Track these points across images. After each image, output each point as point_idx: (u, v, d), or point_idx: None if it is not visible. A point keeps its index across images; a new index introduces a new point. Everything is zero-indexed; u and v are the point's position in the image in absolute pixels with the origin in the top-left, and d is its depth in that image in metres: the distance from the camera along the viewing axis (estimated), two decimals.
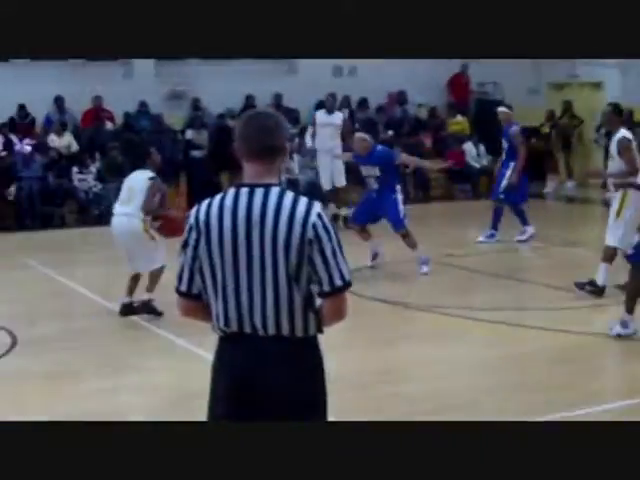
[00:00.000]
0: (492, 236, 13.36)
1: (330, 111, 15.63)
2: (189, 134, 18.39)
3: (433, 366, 7.66)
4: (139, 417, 6.50)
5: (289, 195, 3.57)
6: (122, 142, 16.81)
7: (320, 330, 3.64)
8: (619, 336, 8.11)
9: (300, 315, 3.55)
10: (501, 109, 13.72)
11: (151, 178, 9.16)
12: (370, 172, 11.22)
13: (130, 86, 18.20)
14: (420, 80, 19.85)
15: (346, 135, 15.06)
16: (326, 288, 3.53)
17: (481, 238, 13.37)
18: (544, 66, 19.71)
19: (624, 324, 8.11)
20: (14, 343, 8.50)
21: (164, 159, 11.26)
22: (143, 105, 18.42)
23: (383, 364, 7.74)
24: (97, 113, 18.23)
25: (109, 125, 18.25)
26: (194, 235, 3.62)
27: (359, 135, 11.65)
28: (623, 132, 9.47)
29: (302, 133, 17.53)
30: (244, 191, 3.59)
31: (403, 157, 12.22)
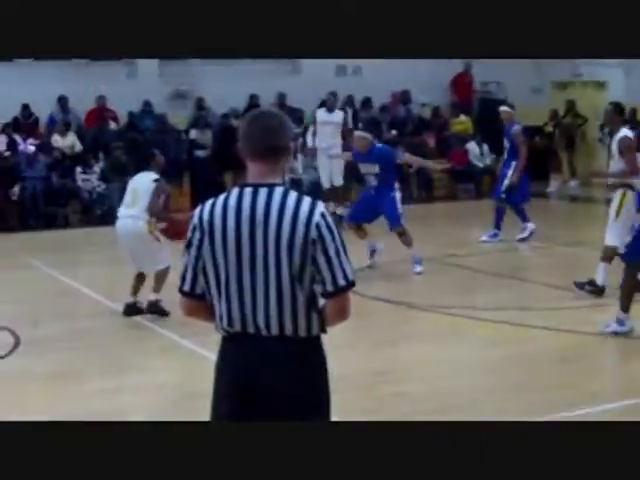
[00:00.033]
0: (495, 236, 13.37)
1: (330, 110, 15.68)
2: (193, 134, 18.40)
3: (435, 366, 7.67)
4: (142, 417, 6.48)
5: (293, 195, 3.57)
6: (126, 142, 16.85)
7: (323, 330, 3.64)
8: (615, 334, 8.15)
9: (303, 315, 3.56)
10: (503, 108, 13.72)
11: (156, 180, 9.17)
12: (370, 170, 11.25)
13: (134, 86, 18.21)
14: (423, 80, 19.86)
15: (346, 134, 15.10)
16: (329, 288, 3.54)
17: (484, 238, 13.38)
18: (547, 65, 19.71)
19: (620, 322, 8.16)
20: (17, 343, 8.52)
21: (168, 159, 11.27)
22: (147, 105, 18.43)
23: (385, 364, 7.75)
24: (101, 113, 18.24)
25: (113, 125, 18.26)
26: (198, 235, 3.62)
27: (358, 133, 11.80)
28: (625, 131, 9.45)
29: (306, 133, 17.56)
30: (248, 191, 3.59)
31: (406, 157, 12.25)
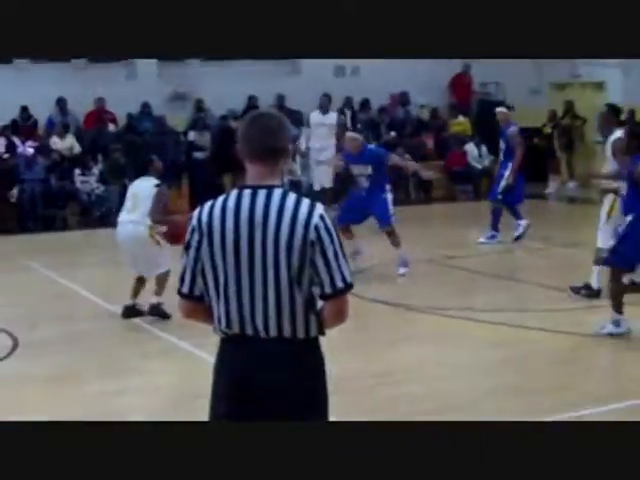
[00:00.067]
0: (493, 237, 13.36)
1: (324, 111, 15.69)
2: (192, 135, 18.39)
3: (434, 367, 7.67)
4: (141, 419, 6.47)
5: (292, 197, 3.57)
6: (125, 144, 16.85)
7: (322, 332, 3.64)
8: (611, 335, 8.17)
9: (302, 317, 3.55)
10: (499, 109, 13.73)
11: (157, 185, 9.17)
12: (361, 171, 11.25)
13: (133, 87, 18.20)
14: (422, 81, 19.85)
15: (340, 135, 15.10)
16: (328, 290, 3.53)
17: (482, 239, 13.37)
18: (546, 66, 19.69)
19: (616, 323, 8.19)
20: (16, 345, 8.50)
21: (166, 161, 11.27)
22: (146, 106, 18.42)
23: (384, 365, 7.74)
24: (99, 115, 18.24)
25: (111, 127, 18.25)
26: (196, 237, 3.62)
27: (350, 134, 11.92)
28: (618, 134, 9.41)
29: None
30: (247, 193, 3.59)
31: (395, 159, 12.05)
